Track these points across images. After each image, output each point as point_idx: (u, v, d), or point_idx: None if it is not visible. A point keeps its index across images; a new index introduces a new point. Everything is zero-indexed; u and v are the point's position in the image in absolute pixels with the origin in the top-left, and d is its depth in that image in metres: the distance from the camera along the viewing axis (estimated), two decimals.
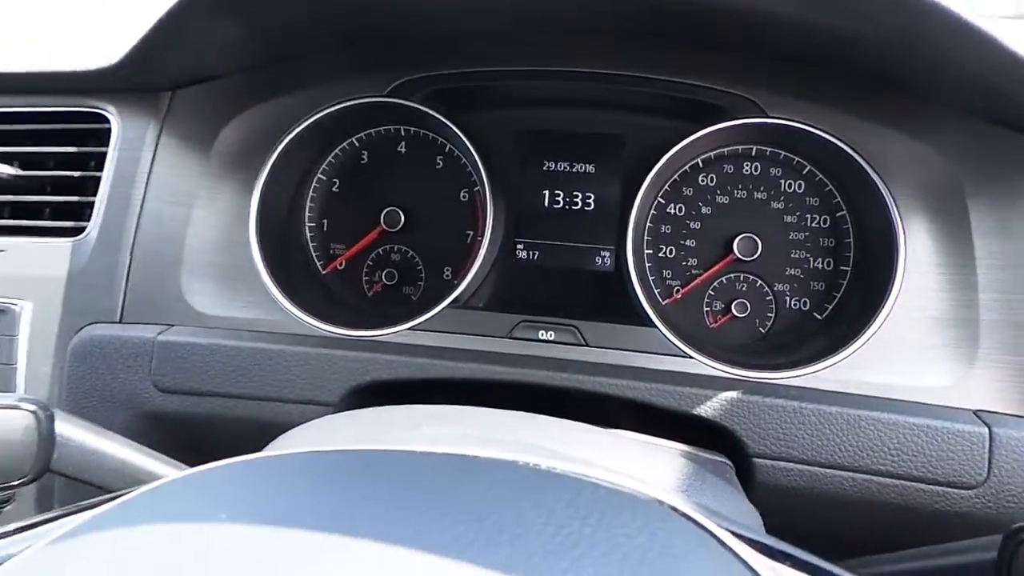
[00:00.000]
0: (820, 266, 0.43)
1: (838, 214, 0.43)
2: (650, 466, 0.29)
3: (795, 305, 0.44)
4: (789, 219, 0.44)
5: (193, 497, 0.21)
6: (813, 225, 0.44)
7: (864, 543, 0.37)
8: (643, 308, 0.40)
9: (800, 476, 0.35)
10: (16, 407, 0.25)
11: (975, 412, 0.36)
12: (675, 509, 0.21)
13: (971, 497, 0.34)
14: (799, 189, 0.44)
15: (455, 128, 0.42)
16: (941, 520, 0.34)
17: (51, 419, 0.25)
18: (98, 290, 0.42)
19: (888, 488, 0.34)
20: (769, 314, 0.44)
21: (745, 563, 0.22)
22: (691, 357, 0.39)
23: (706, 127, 0.41)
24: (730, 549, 0.22)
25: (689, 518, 0.21)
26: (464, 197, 0.46)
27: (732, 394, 0.36)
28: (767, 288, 0.44)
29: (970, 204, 0.37)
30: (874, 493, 0.35)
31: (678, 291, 0.45)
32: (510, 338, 0.41)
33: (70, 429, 0.27)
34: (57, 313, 0.42)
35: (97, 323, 0.42)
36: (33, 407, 0.25)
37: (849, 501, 0.35)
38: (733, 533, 0.22)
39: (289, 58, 0.44)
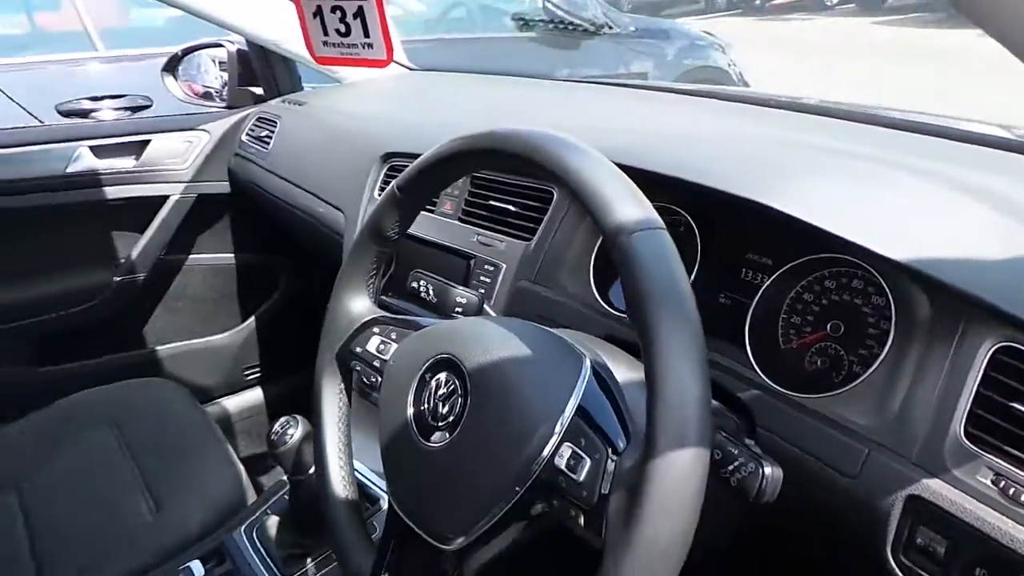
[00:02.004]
0: (880, 351, 0.69)
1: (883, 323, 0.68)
2: None
3: (854, 368, 0.70)
4: (867, 315, 0.70)
5: None
6: (874, 323, 0.69)
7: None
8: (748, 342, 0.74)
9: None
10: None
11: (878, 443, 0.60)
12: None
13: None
14: (877, 301, 0.70)
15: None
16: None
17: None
18: (527, 265, 0.95)
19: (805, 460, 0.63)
20: (841, 370, 0.72)
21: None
22: (754, 368, 0.71)
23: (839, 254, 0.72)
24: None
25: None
26: None
27: (755, 392, 0.69)
28: (845, 355, 0.71)
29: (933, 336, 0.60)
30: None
31: (792, 343, 0.76)
32: None
33: None
34: (512, 272, 0.97)
35: (523, 280, 0.95)
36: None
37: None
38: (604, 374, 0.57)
39: None
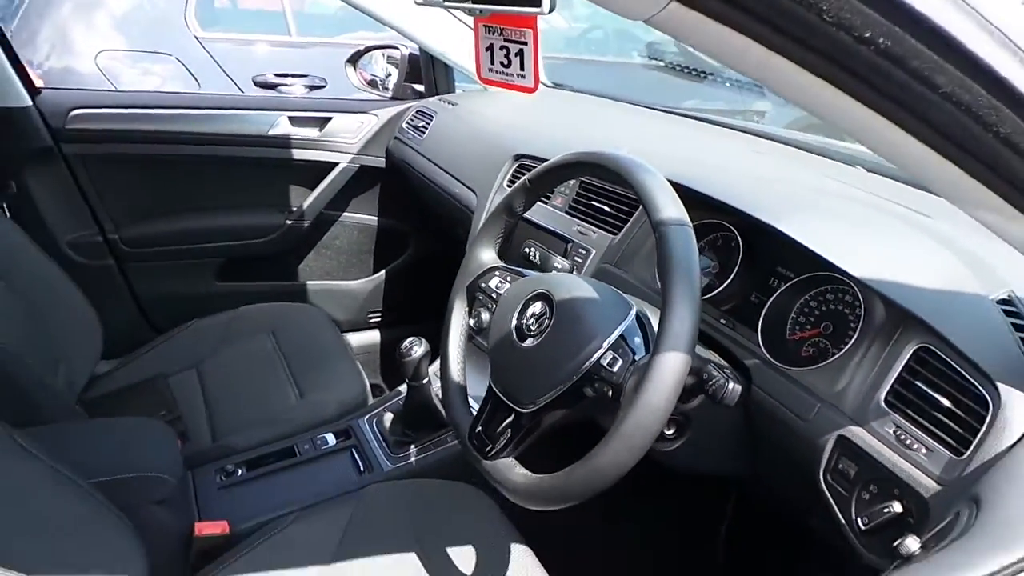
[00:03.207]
0: (846, 344, 0.94)
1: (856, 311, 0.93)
2: None
3: (831, 354, 0.96)
4: (850, 320, 0.96)
5: None
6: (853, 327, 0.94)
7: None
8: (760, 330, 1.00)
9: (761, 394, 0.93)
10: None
11: (828, 401, 0.87)
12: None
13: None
14: (859, 312, 0.95)
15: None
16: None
17: None
18: (611, 252, 1.24)
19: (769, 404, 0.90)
20: (825, 359, 0.97)
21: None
22: (760, 347, 0.98)
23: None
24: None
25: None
26: None
27: (757, 361, 0.96)
28: (830, 348, 0.97)
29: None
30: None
31: (795, 335, 1.02)
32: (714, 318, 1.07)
33: None
34: (599, 256, 1.27)
35: (607, 263, 1.25)
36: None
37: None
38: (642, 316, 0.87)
39: None
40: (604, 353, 0.81)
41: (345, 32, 3.67)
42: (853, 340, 0.90)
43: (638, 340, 0.82)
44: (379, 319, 2.28)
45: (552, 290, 0.89)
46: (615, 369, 0.79)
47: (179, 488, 1.17)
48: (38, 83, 1.77)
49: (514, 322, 0.91)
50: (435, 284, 2.23)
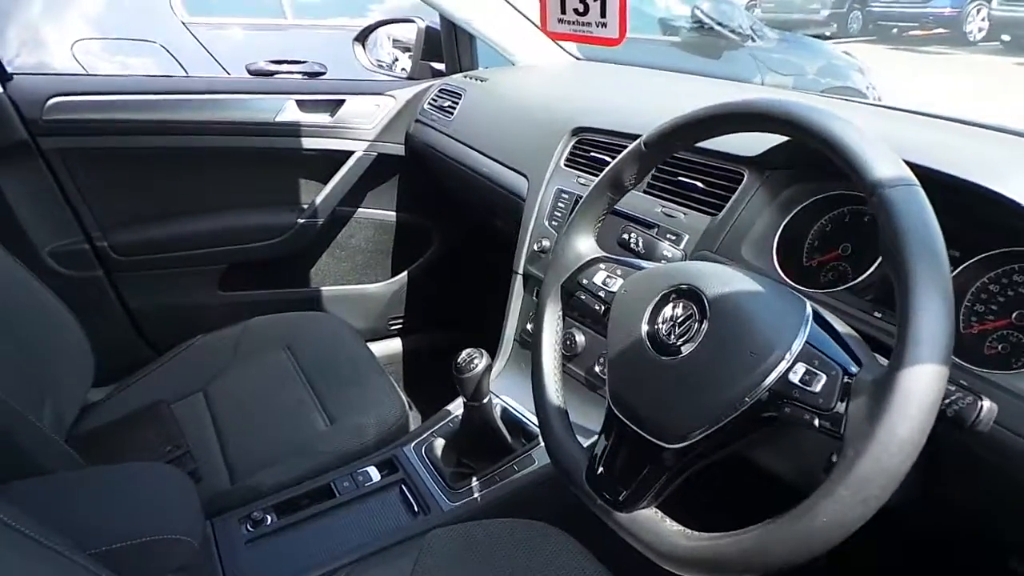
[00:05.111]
0: None
1: None
2: None
3: None
4: None
5: None
6: None
7: None
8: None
9: None
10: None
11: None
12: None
13: None
14: None
15: None
16: None
17: None
18: (710, 237, 1.02)
19: None
20: (1021, 357, 0.77)
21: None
22: None
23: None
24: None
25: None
26: None
27: None
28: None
29: None
30: None
31: (972, 328, 0.81)
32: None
33: None
34: (695, 243, 1.06)
35: (705, 250, 1.04)
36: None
37: None
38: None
39: None
40: (792, 366, 0.60)
41: (338, 16, 3.45)
42: None
43: (834, 347, 0.61)
44: (401, 326, 2.06)
45: (698, 282, 0.67)
46: (817, 389, 0.58)
47: (201, 548, 0.95)
48: (9, 68, 1.53)
49: (644, 327, 0.69)
50: (463, 284, 2.02)
